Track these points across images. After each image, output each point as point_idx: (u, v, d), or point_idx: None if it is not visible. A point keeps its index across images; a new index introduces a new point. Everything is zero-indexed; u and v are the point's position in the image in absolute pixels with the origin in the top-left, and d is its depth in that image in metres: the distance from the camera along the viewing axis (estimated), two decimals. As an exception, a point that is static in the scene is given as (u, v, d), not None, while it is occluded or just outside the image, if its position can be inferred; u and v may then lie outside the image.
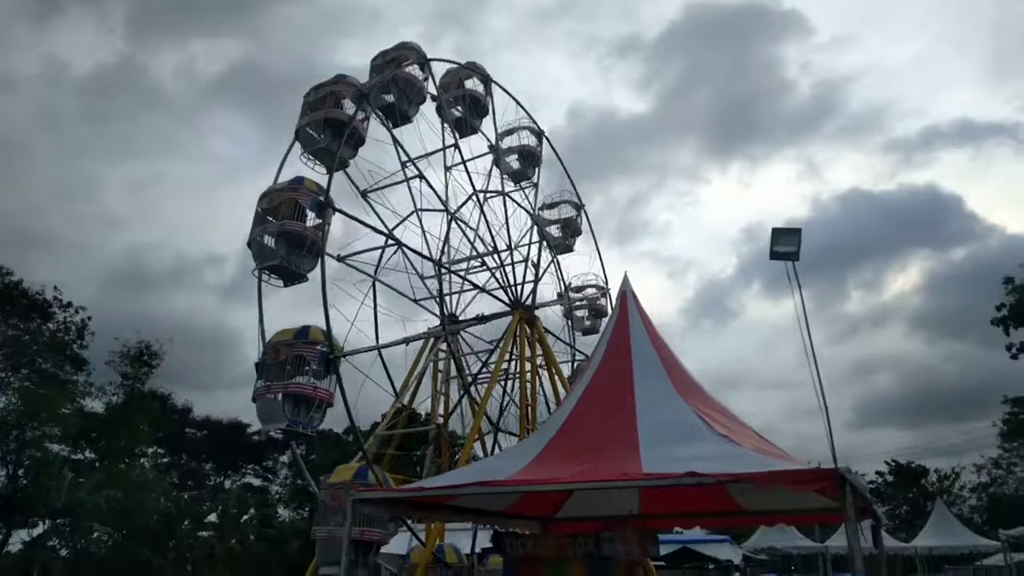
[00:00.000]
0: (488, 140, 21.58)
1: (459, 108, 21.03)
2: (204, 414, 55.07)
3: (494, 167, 20.23)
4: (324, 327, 13.59)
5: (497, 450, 17.30)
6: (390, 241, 17.18)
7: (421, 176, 17.40)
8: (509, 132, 22.60)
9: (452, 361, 17.41)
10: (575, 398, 11.45)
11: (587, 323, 22.59)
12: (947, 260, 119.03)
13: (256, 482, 56.93)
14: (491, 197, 19.84)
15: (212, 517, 50.12)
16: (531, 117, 22.47)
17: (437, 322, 17.27)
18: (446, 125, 19.33)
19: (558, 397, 15.99)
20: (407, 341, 16.60)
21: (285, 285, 14.34)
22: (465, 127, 20.87)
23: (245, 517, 49.75)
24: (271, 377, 13.52)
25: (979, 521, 50.53)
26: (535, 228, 20.57)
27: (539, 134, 22.81)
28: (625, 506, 13.27)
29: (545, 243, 20.70)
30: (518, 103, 23.25)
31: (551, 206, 22.86)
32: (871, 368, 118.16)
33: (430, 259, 17.52)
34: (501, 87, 22.86)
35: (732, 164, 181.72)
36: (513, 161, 22.07)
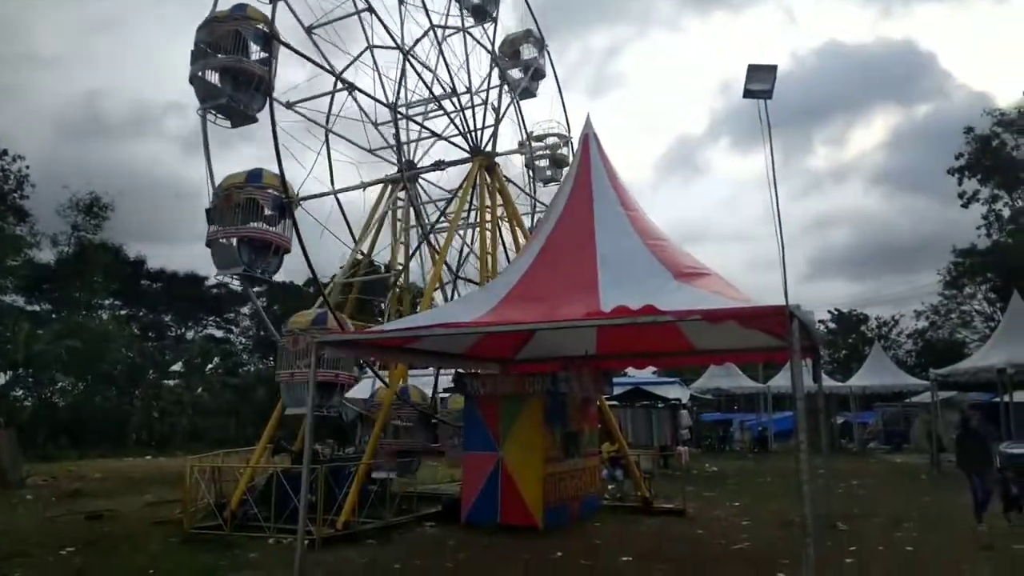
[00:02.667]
0: None
1: None
2: (159, 266, 54.41)
3: (452, 1, 18.78)
4: (277, 172, 12.98)
5: (456, 298, 17.38)
6: (340, 85, 16.16)
7: (370, 9, 16.12)
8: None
9: (411, 209, 17.04)
10: (538, 244, 11.42)
11: (548, 173, 22.00)
12: (912, 115, 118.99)
13: (218, 333, 57.36)
14: (450, 34, 18.59)
15: (177, 367, 50.90)
16: None
17: (394, 170, 16.73)
18: None
19: (518, 246, 15.95)
20: (364, 186, 16.01)
21: (233, 126, 13.43)
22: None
23: (209, 367, 50.58)
24: (224, 222, 13.03)
25: (912, 364, 53.90)
26: (495, 69, 19.52)
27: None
28: (582, 347, 13.74)
29: (506, 86, 19.72)
30: None
31: (512, 44, 21.35)
32: (829, 222, 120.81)
33: (385, 104, 16.65)
34: None
35: (713, 13, 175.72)
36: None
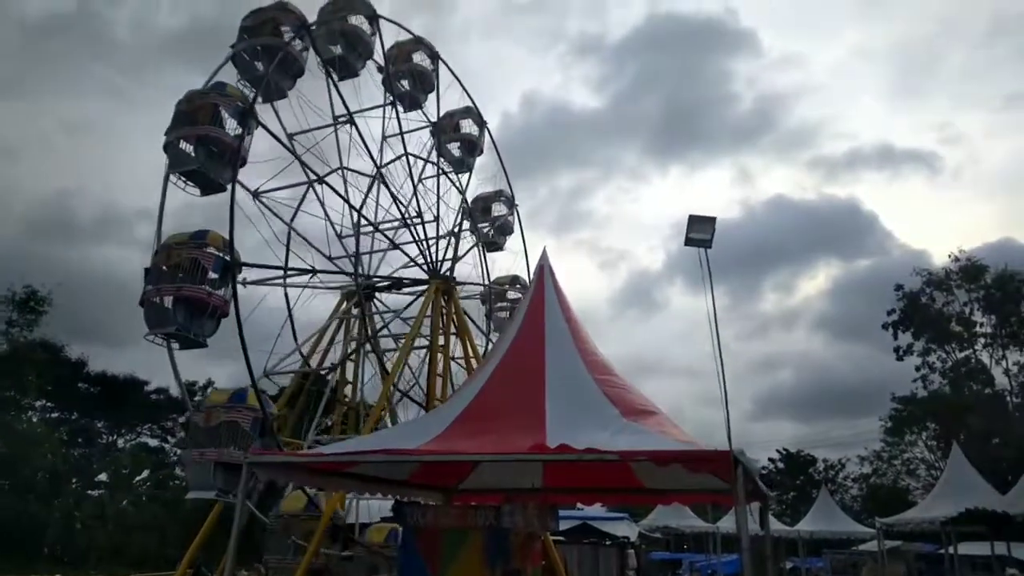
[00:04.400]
0: (428, 119, 20.95)
1: (405, 82, 20.28)
2: (102, 369, 52.49)
3: (432, 148, 19.70)
4: (226, 235, 12.86)
5: (401, 419, 17.06)
6: (313, 178, 16.45)
7: (352, 122, 16.76)
8: (452, 116, 21.90)
9: (363, 325, 16.97)
10: (488, 371, 11.41)
11: (493, 240, 22.62)
12: (854, 268, 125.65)
13: (153, 442, 54.77)
14: (424, 168, 19.43)
15: (103, 476, 48.04)
16: (476, 106, 21.83)
17: (350, 282, 16.84)
18: (328, 73, 18.54)
19: (470, 369, 15.89)
20: (313, 271, 15.95)
21: (202, 194, 13.50)
22: (408, 101, 20.19)
23: (139, 477, 47.89)
24: (162, 281, 12.73)
25: (858, 509, 53.83)
26: (464, 210, 20.31)
27: (482, 124, 22.12)
28: (528, 480, 13.42)
29: (472, 231, 20.46)
30: (464, 89, 22.45)
31: (484, 201, 22.44)
32: (775, 364, 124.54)
33: (352, 207, 16.95)
34: (450, 68, 21.82)
35: (672, 167, 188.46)
36: (455, 149, 21.38)
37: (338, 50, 19.48)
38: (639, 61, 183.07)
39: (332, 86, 18.66)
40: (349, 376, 17.11)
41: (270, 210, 15.63)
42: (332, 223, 17.00)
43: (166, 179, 13.31)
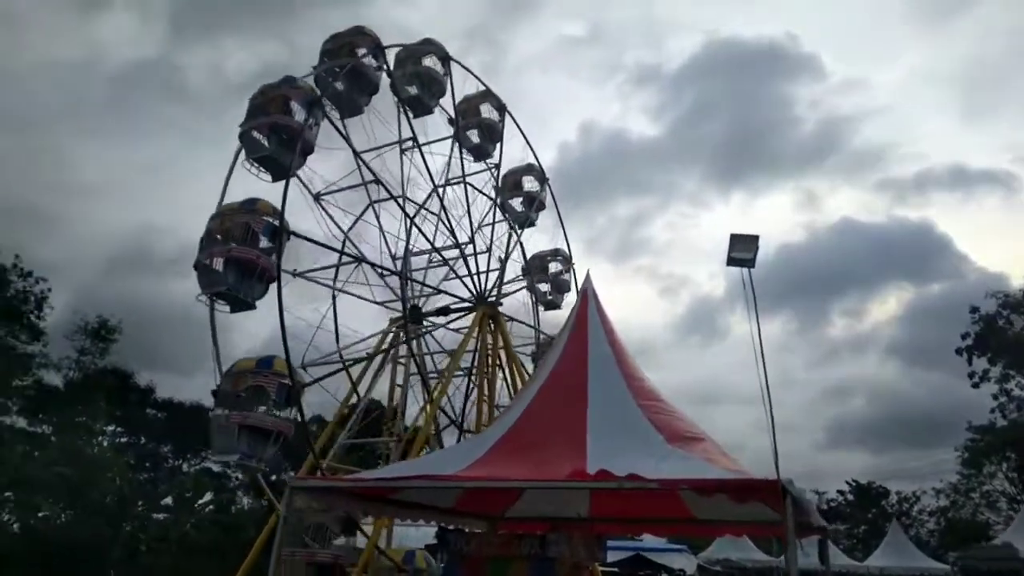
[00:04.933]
0: (448, 114, 21.09)
1: (414, 87, 20.54)
2: (169, 396, 54.06)
3: (453, 146, 19.85)
4: (285, 356, 13.17)
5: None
6: (349, 257, 16.82)
7: (378, 180, 17.03)
8: (515, 173, 22.10)
9: (413, 359, 17.03)
10: (528, 397, 11.24)
11: (549, 297, 22.34)
12: (926, 293, 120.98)
13: (216, 468, 55.89)
14: (453, 183, 19.51)
15: (168, 500, 49.21)
16: (490, 91, 21.94)
17: (395, 300, 17.00)
18: (401, 109, 18.87)
19: (517, 393, 15.73)
20: (370, 359, 16.22)
21: (232, 311, 13.83)
22: (420, 107, 20.43)
23: (200, 502, 48.90)
24: (229, 406, 13.11)
25: (935, 544, 51.08)
26: (497, 210, 20.29)
27: (501, 108, 22.17)
28: (575, 509, 13.10)
29: (507, 219, 20.45)
30: (478, 79, 22.29)
31: (513, 176, 22.25)
32: (846, 392, 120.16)
33: (392, 272, 17.21)
34: (460, 64, 22.02)
35: (734, 192, 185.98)
36: (473, 135, 21.46)
37: (414, 90, 20.17)
38: (697, 88, 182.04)
39: (402, 111, 19.03)
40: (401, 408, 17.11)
41: (328, 214, 15.97)
42: (386, 236, 17.23)
43: (232, 165, 13.79)
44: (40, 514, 39.10)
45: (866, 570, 33.92)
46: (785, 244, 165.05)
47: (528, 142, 22.63)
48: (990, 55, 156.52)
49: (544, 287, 22.40)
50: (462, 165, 20.51)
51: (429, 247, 18.50)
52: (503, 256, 19.35)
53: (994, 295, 49.78)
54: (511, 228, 21.40)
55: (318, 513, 12.65)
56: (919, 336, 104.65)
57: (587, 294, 12.30)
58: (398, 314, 17.25)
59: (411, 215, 17.40)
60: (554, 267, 22.80)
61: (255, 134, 14.02)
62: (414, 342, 17.39)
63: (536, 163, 22.72)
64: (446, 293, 17.96)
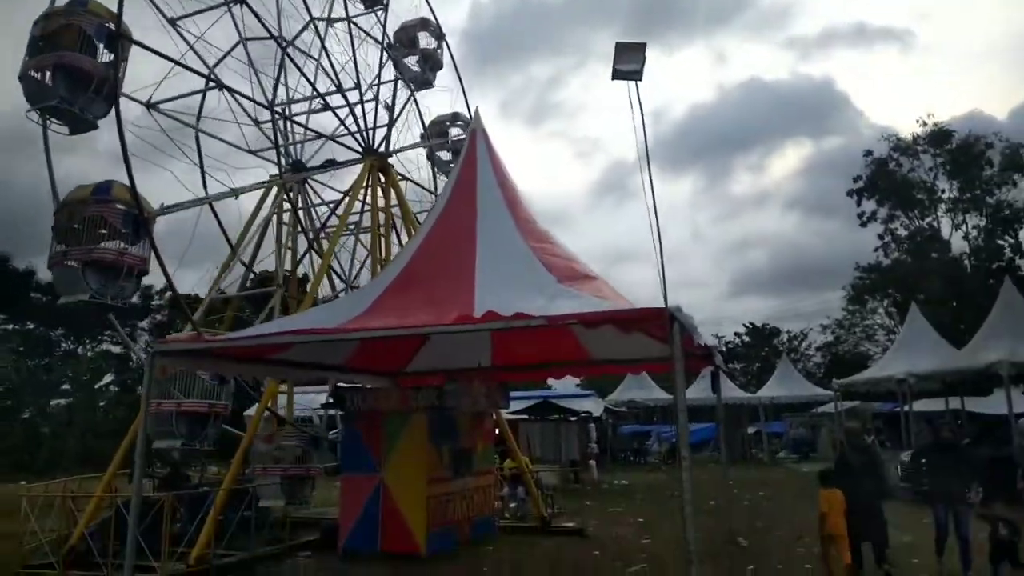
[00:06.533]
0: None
1: None
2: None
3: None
4: (129, 183, 11.47)
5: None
6: (212, 83, 14.77)
7: (243, 1, 14.89)
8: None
9: (295, 213, 15.78)
10: (415, 244, 10.56)
11: (451, 166, 21.05)
12: (824, 147, 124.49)
13: (116, 349, 53.81)
14: (334, 22, 17.42)
15: (67, 386, 47.35)
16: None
17: (276, 172, 15.47)
18: None
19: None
20: (236, 194, 14.56)
21: (71, 132, 11.81)
22: None
23: (99, 383, 47.32)
24: (69, 242, 11.47)
25: (821, 376, 55.38)
26: (389, 62, 18.46)
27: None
28: (476, 358, 12.88)
29: (400, 79, 18.63)
30: None
31: (406, 32, 20.14)
32: (749, 244, 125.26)
33: (263, 104, 15.38)
34: None
35: (648, 50, 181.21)
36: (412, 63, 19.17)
37: None
38: None
39: None
40: (287, 268, 16.02)
41: (172, 117, 13.91)
42: (259, 76, 15.35)
43: (44, 123, 11.61)
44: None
45: (758, 400, 36.63)
46: (695, 104, 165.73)
47: None
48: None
49: (445, 155, 20.84)
50: (346, 6, 18.32)
51: (310, 91, 16.68)
52: (391, 104, 17.73)
53: (887, 138, 51.76)
54: (407, 86, 19.56)
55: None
56: (817, 188, 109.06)
57: (475, 134, 11.43)
58: (275, 171, 15.83)
59: (284, 46, 15.44)
60: (455, 132, 21.14)
61: (38, 75, 11.45)
62: (299, 197, 16.14)
63: (432, 17, 20.59)
64: (329, 138, 16.41)
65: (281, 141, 15.69)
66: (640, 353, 11.42)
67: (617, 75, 6.98)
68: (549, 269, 9.06)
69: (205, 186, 15.11)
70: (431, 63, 20.04)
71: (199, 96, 14.90)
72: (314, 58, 16.45)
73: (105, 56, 12.06)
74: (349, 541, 11.81)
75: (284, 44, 15.71)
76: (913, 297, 34.33)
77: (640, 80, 6.92)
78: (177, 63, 13.78)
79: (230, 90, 14.98)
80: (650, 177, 6.86)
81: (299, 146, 16.57)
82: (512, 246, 9.63)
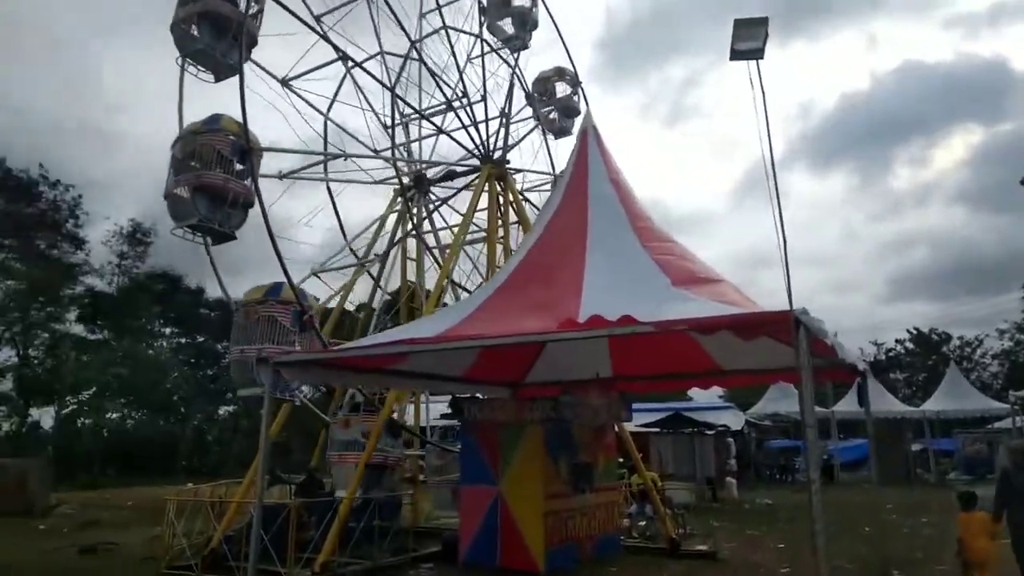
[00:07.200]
0: None
1: None
2: (218, 296, 55.22)
3: (480, 20, 17.66)
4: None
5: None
6: (346, 63, 15.19)
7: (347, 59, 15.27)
8: None
9: (412, 223, 15.92)
10: (525, 249, 10.24)
11: (558, 125, 20.58)
12: (996, 132, 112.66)
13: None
14: (473, 47, 17.54)
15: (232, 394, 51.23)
16: None
17: (398, 177, 15.73)
18: None
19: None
20: (346, 156, 14.88)
21: (216, 79, 12.64)
22: None
23: (260, 391, 50.64)
24: (182, 172, 12.17)
25: (999, 387, 49.84)
26: (484, 44, 18.27)
27: None
28: (593, 368, 12.38)
29: (535, 116, 18.55)
30: None
31: (544, 83, 20.09)
32: (909, 243, 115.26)
33: (392, 91, 15.67)
34: None
35: (793, 41, 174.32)
36: (507, 27, 19.01)
37: None
38: None
39: None
40: (411, 277, 16.26)
41: (303, 99, 14.56)
42: (374, 111, 15.79)
43: (181, 73, 12.45)
44: (108, 415, 41.06)
45: (922, 414, 33.15)
46: (846, 93, 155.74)
47: (564, 43, 20.33)
48: None
49: (552, 113, 20.52)
50: (481, 30, 18.41)
51: (418, 111, 16.90)
52: (503, 105, 17.52)
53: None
54: (502, 57, 19.19)
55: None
56: (986, 179, 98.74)
57: (586, 133, 10.99)
58: (394, 179, 16.13)
59: (391, 85, 15.75)
60: (560, 89, 20.81)
61: (184, 26, 12.31)
62: (420, 207, 16.35)
63: (570, 64, 20.45)
64: (446, 133, 16.60)
65: (402, 142, 15.97)
66: (774, 362, 10.45)
67: (736, 55, 6.35)
68: (664, 271, 8.44)
69: (326, 169, 15.69)
70: (567, 109, 19.99)
71: (337, 86, 15.53)
72: (415, 85, 16.74)
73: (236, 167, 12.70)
74: (469, 554, 11.61)
75: (414, 40, 16.02)
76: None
77: (761, 58, 6.25)
78: (320, 36, 14.37)
79: (360, 67, 15.40)
80: (772, 161, 6.21)
81: (417, 148, 16.83)
82: (625, 247, 9.10)
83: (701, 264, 9.31)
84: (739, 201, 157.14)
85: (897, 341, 65.86)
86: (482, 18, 17.87)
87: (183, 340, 52.51)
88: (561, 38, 20.35)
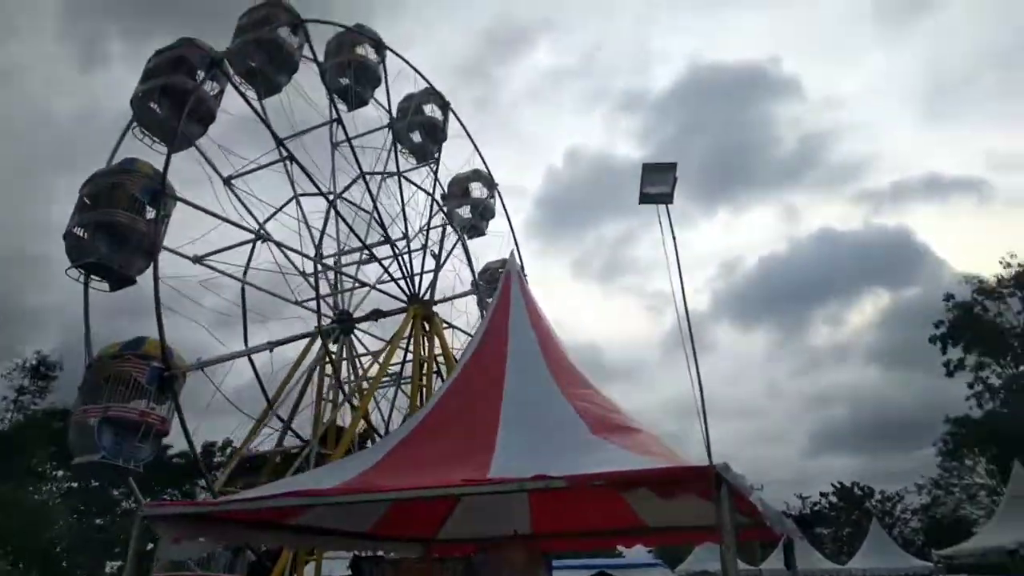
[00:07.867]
0: (384, 108, 19.43)
1: (345, 78, 18.87)
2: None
3: (392, 146, 18.20)
4: (159, 335, 11.33)
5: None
6: (260, 238, 15.04)
7: (292, 158, 15.38)
8: (408, 101, 20.32)
9: (335, 364, 15.33)
10: (440, 393, 9.76)
11: (471, 223, 20.67)
12: (903, 297, 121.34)
13: (175, 508, 53.25)
14: (385, 178, 17.83)
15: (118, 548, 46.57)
16: (433, 88, 20.54)
17: (318, 321, 15.26)
18: (332, 101, 17.24)
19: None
20: (271, 347, 14.34)
21: (111, 289, 11.95)
22: (353, 98, 18.80)
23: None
24: (91, 399, 11.13)
25: (919, 543, 49.96)
26: (438, 212, 18.74)
27: (444, 106, 20.56)
28: (513, 524, 11.57)
29: (451, 227, 18.80)
30: (418, 72, 20.82)
31: (459, 183, 20.67)
32: (829, 398, 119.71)
33: (311, 257, 15.55)
34: (397, 55, 20.38)
35: (718, 209, 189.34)
36: (415, 136, 19.85)
37: (346, 81, 18.56)
38: (683, 111, 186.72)
39: (332, 104, 17.28)
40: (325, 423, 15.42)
41: (220, 271, 14.16)
42: (310, 230, 15.62)
43: (122, 134, 12.01)
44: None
45: (848, 573, 32.56)
46: (766, 256, 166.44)
47: (476, 145, 21.08)
48: (950, 65, 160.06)
49: (465, 213, 20.81)
50: (396, 161, 18.95)
51: (356, 247, 16.82)
52: (438, 252, 17.67)
53: (968, 281, 49.39)
54: (456, 231, 19.79)
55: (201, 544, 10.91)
56: (898, 339, 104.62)
57: (509, 276, 10.89)
58: (325, 320, 15.62)
59: (332, 200, 15.72)
60: (476, 191, 21.25)
61: (79, 232, 12.03)
62: (342, 348, 15.80)
63: (484, 168, 21.19)
64: (374, 288, 16.34)
65: (327, 291, 15.58)
66: (701, 520, 9.96)
67: (645, 199, 6.36)
68: (583, 418, 8.09)
69: (246, 339, 14.96)
70: (482, 211, 20.37)
71: (246, 250, 15.14)
72: (366, 211, 16.77)
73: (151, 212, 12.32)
74: None
75: (331, 198, 16.04)
76: (1015, 453, 30.97)
77: (671, 203, 6.27)
78: (226, 220, 14.11)
79: (278, 244, 15.15)
80: (686, 309, 6.05)
81: (346, 296, 16.49)
82: (543, 395, 8.75)
83: (624, 414, 9.01)
84: (667, 352, 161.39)
85: (822, 495, 66.16)
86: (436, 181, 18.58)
87: (73, 484, 48.29)
88: (472, 142, 21.05)
